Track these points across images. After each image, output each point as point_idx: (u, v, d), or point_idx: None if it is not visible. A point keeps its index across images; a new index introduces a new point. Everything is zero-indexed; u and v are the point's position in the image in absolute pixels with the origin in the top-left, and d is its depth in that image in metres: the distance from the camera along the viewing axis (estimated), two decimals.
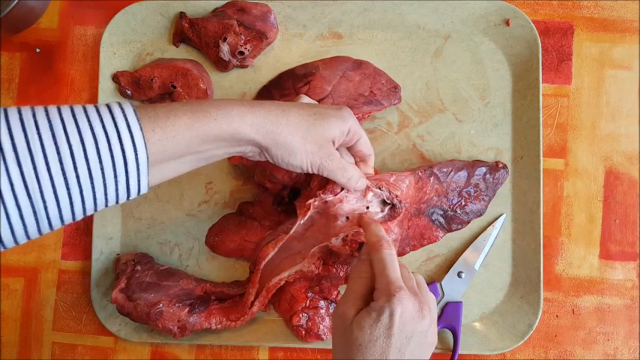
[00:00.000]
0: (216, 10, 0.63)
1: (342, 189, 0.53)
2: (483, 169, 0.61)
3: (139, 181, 0.41)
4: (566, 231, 0.63)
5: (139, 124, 0.40)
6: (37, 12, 0.66)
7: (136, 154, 0.40)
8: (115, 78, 0.63)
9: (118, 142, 0.39)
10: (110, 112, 0.40)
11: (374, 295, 0.44)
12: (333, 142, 0.49)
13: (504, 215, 0.62)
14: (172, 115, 0.43)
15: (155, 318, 0.57)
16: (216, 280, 0.62)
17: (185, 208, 0.64)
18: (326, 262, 0.56)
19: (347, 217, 0.54)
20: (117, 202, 0.41)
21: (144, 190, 0.42)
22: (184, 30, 0.63)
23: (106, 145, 0.38)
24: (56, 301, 0.65)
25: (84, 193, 0.38)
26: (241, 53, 0.62)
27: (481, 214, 0.62)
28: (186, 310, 0.57)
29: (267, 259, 0.56)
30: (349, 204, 0.54)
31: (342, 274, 0.58)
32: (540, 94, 0.61)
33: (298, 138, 0.47)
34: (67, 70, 0.66)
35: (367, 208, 0.54)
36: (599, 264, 0.63)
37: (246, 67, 0.64)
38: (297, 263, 0.56)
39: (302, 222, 0.54)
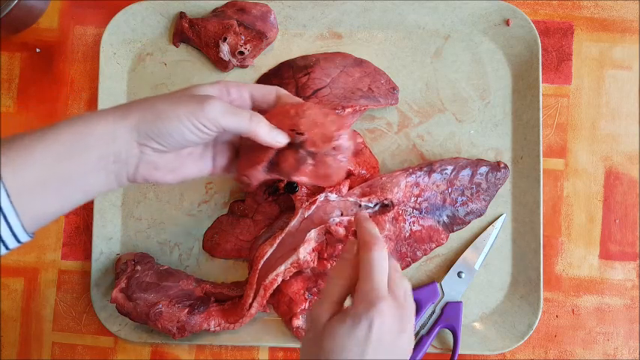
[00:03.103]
0: (216, 10, 0.63)
1: (348, 189, 0.58)
2: (485, 168, 0.61)
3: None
4: (566, 231, 0.63)
5: None
6: (37, 12, 0.66)
7: None
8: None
9: None
10: None
11: (353, 299, 0.40)
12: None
13: (504, 215, 0.62)
14: (28, 133, 0.41)
15: (154, 318, 0.57)
16: (216, 280, 0.62)
17: (185, 208, 0.64)
18: (321, 254, 0.57)
19: (341, 212, 0.58)
20: None
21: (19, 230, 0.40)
22: (184, 30, 0.63)
23: None
24: (56, 301, 0.65)
25: None
26: (241, 53, 0.62)
27: (481, 214, 0.62)
28: (186, 310, 0.57)
29: (265, 258, 0.56)
30: (344, 200, 0.57)
31: None
32: (540, 94, 0.61)
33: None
34: (67, 70, 0.66)
35: (359, 206, 0.58)
36: (599, 264, 0.63)
37: (246, 67, 0.64)
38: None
39: (306, 215, 0.57)
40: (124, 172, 0.45)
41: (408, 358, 0.41)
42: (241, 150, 0.51)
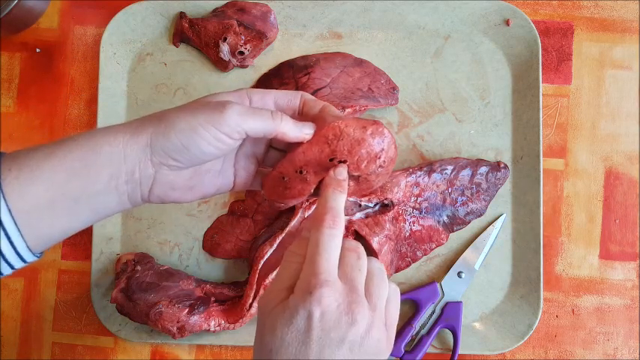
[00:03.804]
0: (216, 10, 0.63)
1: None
2: (485, 168, 0.61)
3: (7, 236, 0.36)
4: (566, 231, 0.63)
5: None
6: (37, 12, 0.66)
7: None
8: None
9: None
10: None
11: (294, 287, 0.35)
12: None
13: (504, 215, 0.62)
14: (33, 149, 0.39)
15: (155, 318, 0.57)
16: (216, 280, 0.62)
17: (185, 208, 0.64)
18: None
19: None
20: None
21: (23, 248, 0.38)
22: (184, 30, 0.63)
23: None
24: (56, 301, 0.65)
25: None
26: (241, 53, 0.62)
27: (481, 214, 0.62)
28: (186, 311, 0.57)
29: (265, 258, 0.56)
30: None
31: None
32: (540, 94, 0.61)
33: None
34: (67, 70, 0.66)
35: (359, 205, 0.57)
36: (599, 264, 0.63)
37: (246, 67, 0.64)
38: None
39: (306, 215, 0.56)
40: (138, 192, 0.42)
41: (379, 353, 0.35)
42: (266, 166, 0.47)
